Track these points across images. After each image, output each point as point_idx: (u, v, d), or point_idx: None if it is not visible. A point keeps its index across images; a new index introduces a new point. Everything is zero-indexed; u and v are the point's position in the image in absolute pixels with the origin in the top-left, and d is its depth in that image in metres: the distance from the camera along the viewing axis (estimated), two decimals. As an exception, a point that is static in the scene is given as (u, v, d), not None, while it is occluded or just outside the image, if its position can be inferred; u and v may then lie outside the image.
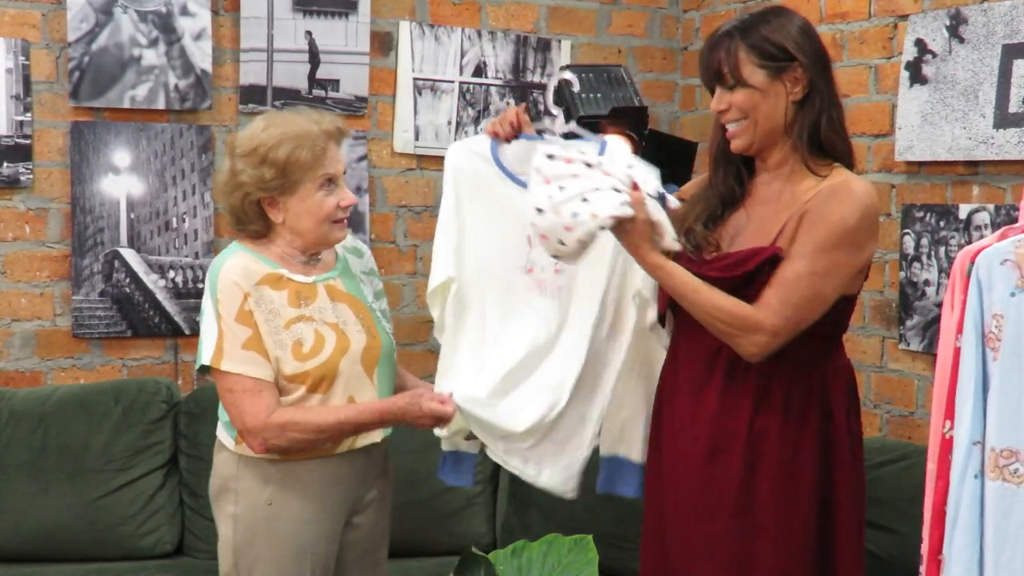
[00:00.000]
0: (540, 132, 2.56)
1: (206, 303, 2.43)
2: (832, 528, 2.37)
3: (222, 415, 2.50)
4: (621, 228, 2.28)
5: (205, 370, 2.43)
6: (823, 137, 2.34)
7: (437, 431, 2.56)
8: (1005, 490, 2.07)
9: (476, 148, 2.60)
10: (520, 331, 2.56)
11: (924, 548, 2.28)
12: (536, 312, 2.56)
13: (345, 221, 2.52)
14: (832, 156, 2.36)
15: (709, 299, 2.29)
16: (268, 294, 2.41)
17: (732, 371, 2.36)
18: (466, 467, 2.68)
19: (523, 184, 2.43)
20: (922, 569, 2.29)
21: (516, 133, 2.55)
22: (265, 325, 2.40)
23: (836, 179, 2.33)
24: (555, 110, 2.59)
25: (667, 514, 2.45)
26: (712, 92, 2.40)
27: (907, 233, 3.39)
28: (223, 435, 2.51)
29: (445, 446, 2.68)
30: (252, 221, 2.47)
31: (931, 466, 2.28)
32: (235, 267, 2.41)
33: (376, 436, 2.54)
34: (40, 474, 3.38)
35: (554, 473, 2.54)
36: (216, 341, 2.38)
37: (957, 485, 2.11)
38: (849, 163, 2.39)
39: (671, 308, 2.49)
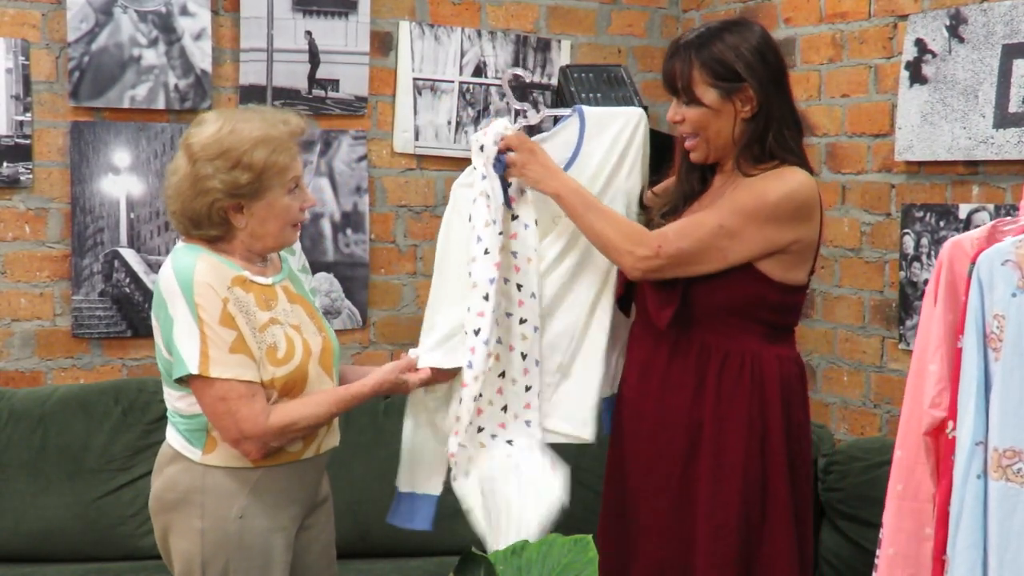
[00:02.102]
0: (521, 112, 2.67)
1: (178, 310, 2.27)
2: (763, 514, 2.47)
3: (179, 424, 2.38)
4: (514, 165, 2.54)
5: (181, 381, 2.31)
6: (767, 150, 2.46)
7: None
8: (1008, 490, 2.07)
9: (469, 179, 2.67)
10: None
11: (882, 533, 2.34)
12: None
13: (302, 224, 2.47)
14: (781, 162, 2.49)
15: (610, 212, 2.50)
16: (241, 296, 2.32)
17: (674, 351, 2.50)
18: (423, 510, 2.65)
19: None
20: (878, 551, 2.34)
21: None
22: (246, 328, 2.31)
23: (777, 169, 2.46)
24: (518, 105, 2.68)
25: (626, 490, 2.60)
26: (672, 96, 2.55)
27: (907, 233, 3.40)
28: (181, 445, 2.38)
29: (402, 487, 2.66)
30: (213, 226, 2.35)
31: (898, 453, 2.32)
32: (207, 270, 2.29)
33: (336, 440, 2.52)
34: (40, 474, 3.38)
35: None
36: (200, 347, 2.25)
37: (960, 485, 2.11)
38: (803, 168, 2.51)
39: (628, 294, 2.64)
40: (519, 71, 2.77)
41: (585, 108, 2.67)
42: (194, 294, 2.27)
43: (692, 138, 2.50)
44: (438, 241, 2.70)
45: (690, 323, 2.47)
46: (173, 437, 2.42)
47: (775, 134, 2.45)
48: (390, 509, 2.67)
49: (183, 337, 2.27)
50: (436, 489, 2.65)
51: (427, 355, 2.53)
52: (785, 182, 2.42)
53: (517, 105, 2.67)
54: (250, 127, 2.34)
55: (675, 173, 2.63)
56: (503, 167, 2.55)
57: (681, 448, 2.49)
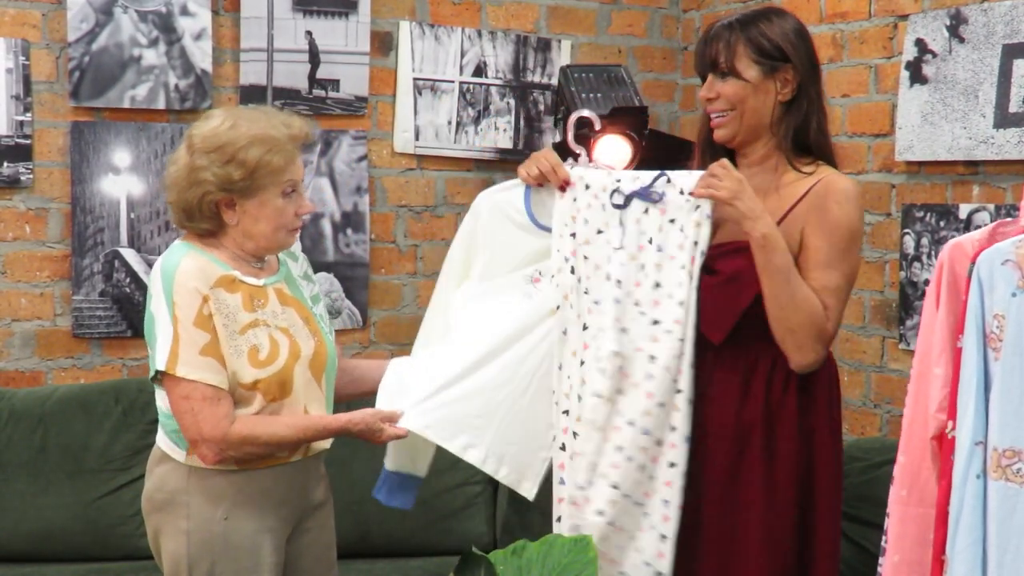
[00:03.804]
0: (577, 156, 2.62)
1: (158, 306, 2.31)
2: (814, 517, 2.47)
3: (166, 424, 2.39)
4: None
5: (156, 377, 2.33)
6: (812, 139, 2.46)
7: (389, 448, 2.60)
8: (1008, 490, 2.07)
9: (507, 200, 2.60)
10: (498, 317, 2.57)
11: (885, 540, 2.33)
12: (514, 303, 2.58)
13: (299, 229, 2.45)
14: (817, 156, 2.48)
15: (804, 286, 2.36)
16: (224, 297, 2.32)
17: (719, 361, 2.45)
18: (409, 488, 2.68)
19: (548, 230, 2.55)
20: (882, 559, 2.33)
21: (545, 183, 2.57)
22: (223, 330, 2.30)
23: (823, 177, 2.44)
24: (577, 148, 2.61)
25: None
26: (703, 79, 2.51)
27: (907, 233, 3.39)
28: (168, 446, 2.40)
29: (389, 466, 2.67)
30: (204, 220, 2.37)
31: (902, 459, 2.31)
32: (190, 269, 2.31)
33: (327, 444, 2.51)
34: (40, 474, 3.38)
35: (511, 471, 2.55)
36: (171, 346, 2.27)
37: (960, 485, 2.11)
38: (833, 164, 2.51)
39: None
40: (587, 114, 2.67)
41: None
42: (173, 292, 2.29)
43: (723, 114, 2.46)
44: (453, 255, 2.65)
45: (737, 333, 2.43)
46: (161, 437, 2.43)
47: (818, 123, 2.45)
48: (376, 485, 2.68)
49: (159, 334, 2.30)
50: (422, 472, 2.68)
51: (416, 417, 2.47)
52: (853, 200, 2.41)
53: (576, 148, 2.62)
54: (251, 125, 2.35)
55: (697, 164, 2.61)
56: (657, 197, 2.45)
57: (727, 458, 2.44)
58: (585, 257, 2.50)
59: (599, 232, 2.49)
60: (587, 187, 2.50)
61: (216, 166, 2.32)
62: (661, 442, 2.40)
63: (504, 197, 2.61)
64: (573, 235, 2.50)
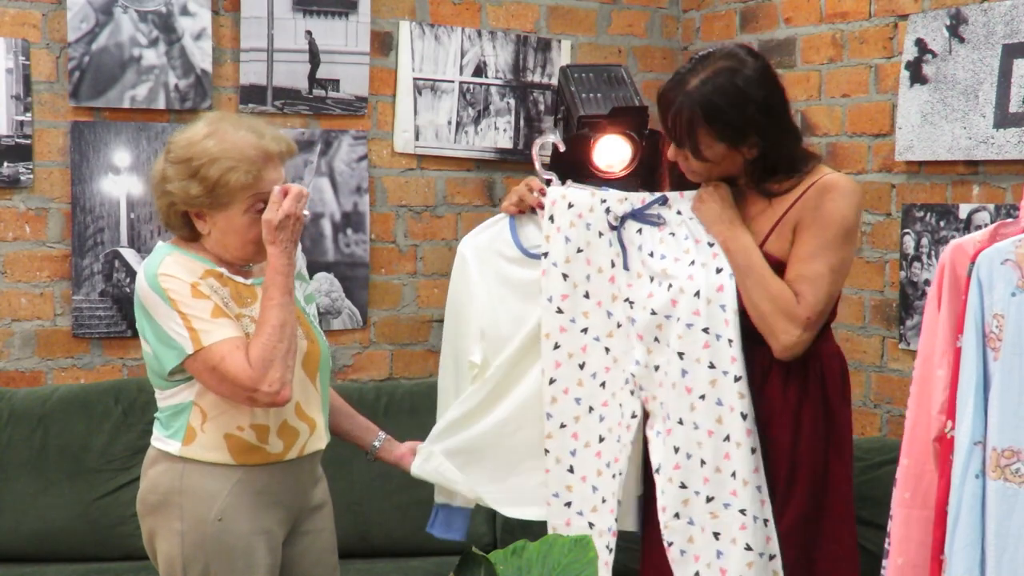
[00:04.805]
0: (548, 181, 2.62)
1: (154, 306, 2.28)
2: (822, 516, 2.45)
3: (160, 417, 2.39)
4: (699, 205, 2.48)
5: (175, 373, 2.30)
6: (784, 170, 2.46)
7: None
8: (1006, 490, 2.07)
9: (495, 236, 2.62)
10: (523, 387, 2.59)
11: (888, 543, 2.33)
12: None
13: None
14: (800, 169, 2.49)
15: (768, 278, 2.40)
16: (215, 285, 2.30)
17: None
18: (459, 521, 2.72)
19: (538, 257, 2.55)
20: (885, 562, 2.34)
21: (527, 210, 2.60)
22: (220, 303, 2.29)
23: (820, 177, 2.45)
24: (546, 174, 2.63)
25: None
26: None
27: (907, 233, 3.39)
28: (162, 442, 2.38)
29: (438, 499, 2.70)
30: (178, 228, 2.36)
31: (904, 461, 2.31)
32: (171, 264, 2.29)
33: (322, 443, 2.48)
34: (40, 474, 3.38)
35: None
36: (185, 326, 2.24)
37: (958, 485, 2.11)
38: (814, 161, 2.52)
39: None
40: (554, 138, 2.65)
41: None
42: (161, 287, 2.27)
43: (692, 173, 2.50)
44: (451, 308, 2.65)
45: (750, 340, 2.43)
46: (155, 437, 2.41)
47: (787, 158, 2.45)
48: (429, 520, 2.72)
49: (168, 327, 2.27)
50: (470, 504, 2.71)
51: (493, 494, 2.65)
52: (849, 195, 2.42)
53: (545, 174, 2.62)
54: (223, 138, 2.30)
55: (667, 176, 2.63)
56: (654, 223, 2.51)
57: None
58: (564, 276, 2.51)
59: (579, 251, 2.51)
60: (570, 206, 2.52)
61: (179, 179, 2.30)
62: (728, 438, 2.40)
63: (489, 235, 2.63)
64: (545, 254, 2.52)
